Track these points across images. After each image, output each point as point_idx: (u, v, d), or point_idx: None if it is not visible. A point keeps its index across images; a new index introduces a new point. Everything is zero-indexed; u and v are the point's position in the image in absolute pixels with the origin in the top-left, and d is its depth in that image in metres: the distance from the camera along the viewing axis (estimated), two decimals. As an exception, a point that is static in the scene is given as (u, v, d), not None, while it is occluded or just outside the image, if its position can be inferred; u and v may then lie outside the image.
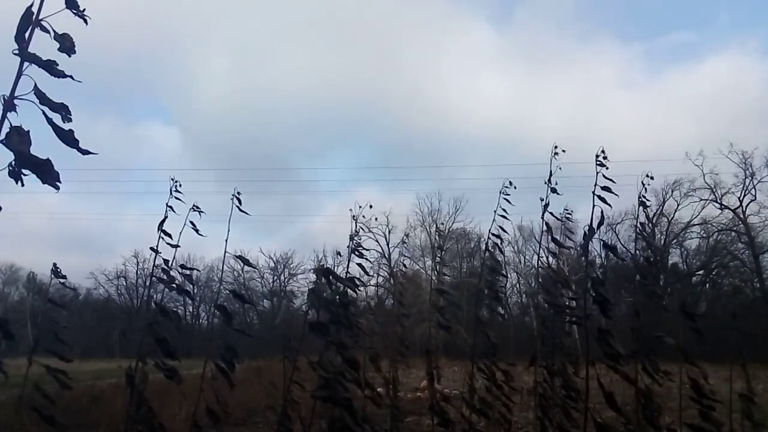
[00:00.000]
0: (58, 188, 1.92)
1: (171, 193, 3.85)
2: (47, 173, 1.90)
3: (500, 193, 4.84)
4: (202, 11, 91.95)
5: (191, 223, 3.86)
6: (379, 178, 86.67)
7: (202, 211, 3.87)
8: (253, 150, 76.43)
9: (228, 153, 76.96)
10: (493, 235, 4.94)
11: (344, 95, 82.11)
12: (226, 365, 3.55)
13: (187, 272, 4.04)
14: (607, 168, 4.01)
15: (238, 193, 4.05)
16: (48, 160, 1.90)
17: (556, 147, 4.55)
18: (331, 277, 3.59)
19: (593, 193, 3.95)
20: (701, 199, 40.11)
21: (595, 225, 3.93)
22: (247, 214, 4.03)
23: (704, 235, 41.60)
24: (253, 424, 10.26)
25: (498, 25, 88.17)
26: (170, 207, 3.83)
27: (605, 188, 3.97)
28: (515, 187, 4.83)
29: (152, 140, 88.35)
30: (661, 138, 65.48)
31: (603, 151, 4.03)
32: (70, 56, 1.98)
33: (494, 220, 4.89)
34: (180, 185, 3.87)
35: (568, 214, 5.28)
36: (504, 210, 4.88)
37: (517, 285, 47.76)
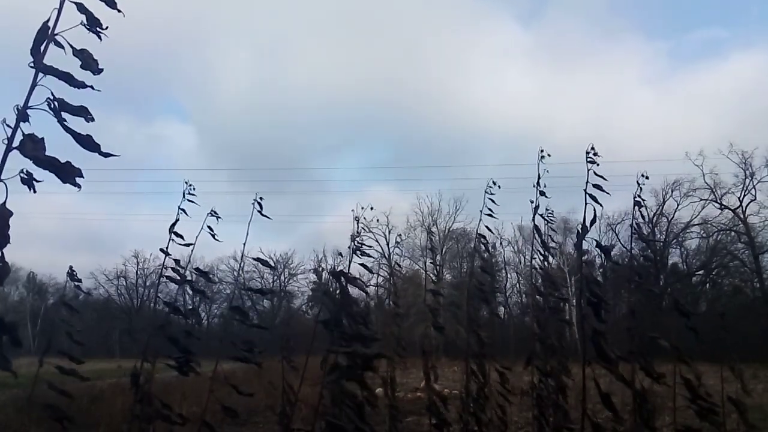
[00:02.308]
0: (79, 187, 1.97)
1: (184, 196, 3.87)
2: (66, 173, 1.95)
3: (485, 193, 4.88)
4: (222, 6, 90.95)
5: (209, 227, 3.88)
6: (396, 178, 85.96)
7: (219, 217, 3.88)
8: (268, 148, 75.87)
9: (243, 151, 76.42)
10: (479, 235, 4.97)
11: (365, 93, 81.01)
12: (246, 357, 3.58)
13: (201, 273, 4.08)
14: (597, 165, 3.98)
15: (260, 198, 4.03)
16: (67, 162, 1.94)
17: (542, 151, 4.58)
18: (342, 278, 3.60)
19: (585, 191, 3.92)
20: (701, 199, 40.13)
21: (588, 224, 3.92)
22: (269, 218, 4.01)
23: (704, 235, 41.62)
24: (253, 424, 10.27)
25: (526, 23, 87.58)
26: (183, 210, 3.86)
27: (596, 186, 3.94)
28: (499, 187, 4.87)
29: (167, 138, 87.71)
30: (679, 137, 65.05)
31: (593, 149, 4.02)
32: (96, 75, 2.04)
33: (481, 219, 4.94)
34: (194, 188, 3.89)
35: (550, 213, 5.28)
36: (490, 210, 4.90)
37: (517, 285, 47.84)
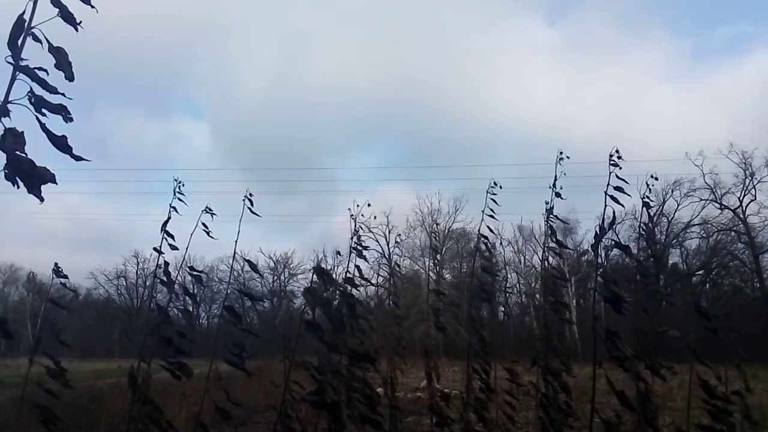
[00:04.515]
0: (42, 200, 1.90)
1: (174, 194, 3.83)
2: (33, 182, 1.88)
3: (487, 193, 4.86)
4: (245, 1, 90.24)
5: (203, 224, 3.85)
6: (413, 177, 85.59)
7: (214, 213, 3.85)
8: (283, 147, 75.87)
9: (258, 149, 76.36)
10: (481, 235, 4.96)
11: (387, 92, 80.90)
12: (235, 362, 3.56)
13: (195, 274, 4.03)
14: (620, 168, 3.99)
15: (250, 194, 4.02)
16: (41, 168, 1.88)
17: (561, 153, 4.56)
18: (325, 277, 3.58)
19: (605, 192, 3.93)
20: (701, 199, 40.18)
21: (606, 225, 3.90)
22: (258, 215, 3.99)
23: (704, 235, 41.65)
24: (253, 424, 10.26)
25: (552, 21, 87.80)
26: (173, 208, 3.82)
27: (618, 188, 3.94)
28: (501, 187, 4.86)
29: (181, 136, 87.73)
30: (698, 135, 64.81)
31: (617, 151, 4.02)
32: (67, 76, 1.96)
33: (482, 220, 4.91)
34: (183, 185, 3.86)
35: (555, 215, 5.24)
36: (492, 210, 4.88)
37: (517, 285, 47.85)
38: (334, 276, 3.73)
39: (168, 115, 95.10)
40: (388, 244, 47.04)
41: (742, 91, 66.93)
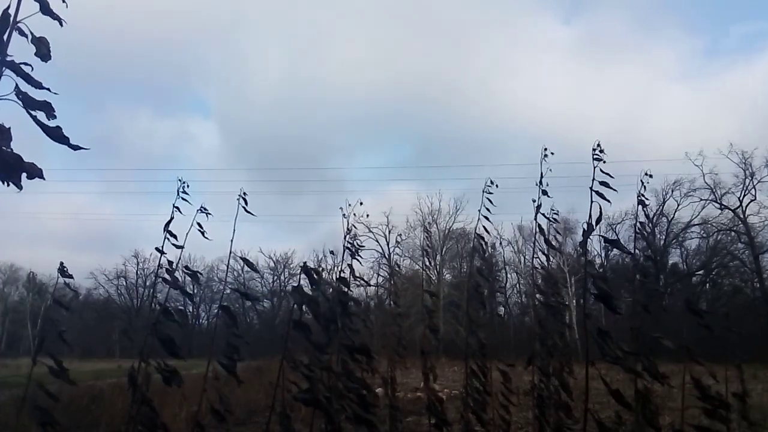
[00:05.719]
0: (20, 188, 1.88)
1: (178, 194, 3.84)
2: (12, 171, 1.86)
3: (483, 192, 4.81)
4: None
5: (198, 224, 3.85)
6: (421, 177, 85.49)
7: (209, 213, 3.86)
8: (293, 146, 75.80)
9: (267, 148, 76.39)
10: (477, 235, 4.93)
11: (400, 91, 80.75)
12: (228, 363, 3.55)
13: (190, 272, 4.02)
14: (604, 162, 3.89)
15: (245, 193, 4.03)
16: (28, 163, 1.87)
17: (545, 149, 4.53)
18: (311, 276, 3.58)
19: (591, 188, 3.83)
20: (701, 199, 40.16)
21: (593, 222, 3.87)
22: (253, 214, 4.00)
23: (704, 235, 41.65)
24: (253, 424, 10.27)
25: (567, 20, 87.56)
26: (177, 208, 3.83)
27: (603, 183, 3.84)
28: (497, 186, 4.79)
29: (189, 135, 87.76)
30: (705, 134, 64.55)
31: (599, 145, 3.94)
32: (45, 62, 1.95)
33: (479, 219, 4.86)
34: (187, 186, 3.86)
35: (556, 213, 5.22)
36: (487, 209, 4.82)
37: (517, 285, 47.88)
38: (329, 276, 3.74)
39: (177, 114, 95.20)
40: (388, 244, 47.05)
41: (752, 91, 66.84)
